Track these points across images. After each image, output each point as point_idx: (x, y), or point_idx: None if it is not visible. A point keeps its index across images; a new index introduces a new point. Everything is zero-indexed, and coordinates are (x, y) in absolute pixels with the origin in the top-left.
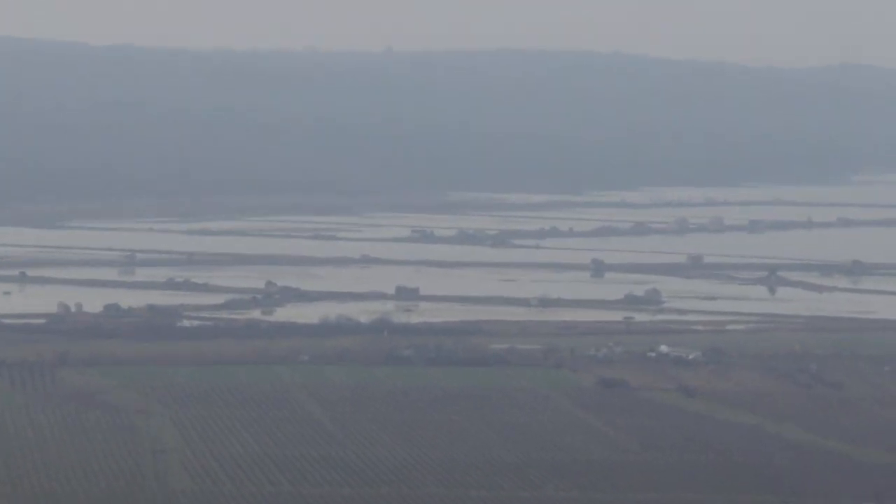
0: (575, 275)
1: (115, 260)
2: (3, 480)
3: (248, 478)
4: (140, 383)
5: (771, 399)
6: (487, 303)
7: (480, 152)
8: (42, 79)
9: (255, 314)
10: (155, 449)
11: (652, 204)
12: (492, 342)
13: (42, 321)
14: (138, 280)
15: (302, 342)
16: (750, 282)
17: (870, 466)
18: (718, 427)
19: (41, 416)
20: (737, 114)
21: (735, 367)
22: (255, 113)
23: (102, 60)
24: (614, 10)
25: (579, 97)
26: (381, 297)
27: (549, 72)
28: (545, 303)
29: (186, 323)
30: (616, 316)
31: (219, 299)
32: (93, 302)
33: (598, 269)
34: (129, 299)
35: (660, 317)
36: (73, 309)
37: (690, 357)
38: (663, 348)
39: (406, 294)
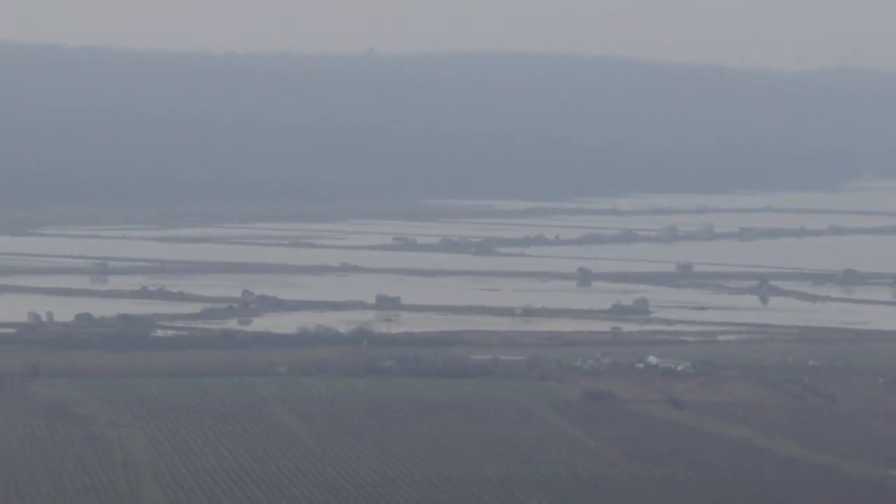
0: (561, 284)
1: (87, 268)
2: None
3: (223, 493)
4: (112, 395)
5: (762, 411)
6: (470, 312)
7: (465, 158)
8: (14, 81)
9: (232, 324)
10: (127, 463)
11: (640, 211)
12: (475, 353)
13: (12, 331)
14: (111, 289)
15: (279, 353)
16: (741, 291)
17: (863, 482)
18: (708, 440)
19: (11, 429)
20: (729, 118)
21: (725, 379)
22: (232, 117)
23: (76, 62)
24: (603, 12)
25: (566, 101)
26: (361, 306)
27: (537, 75)
28: (530, 312)
29: (160, 333)
30: (603, 326)
31: (194, 308)
32: (64, 311)
33: (585, 277)
34: (102, 308)
35: (648, 327)
36: (43, 318)
37: (679, 368)
38: (652, 359)
39: (387, 303)
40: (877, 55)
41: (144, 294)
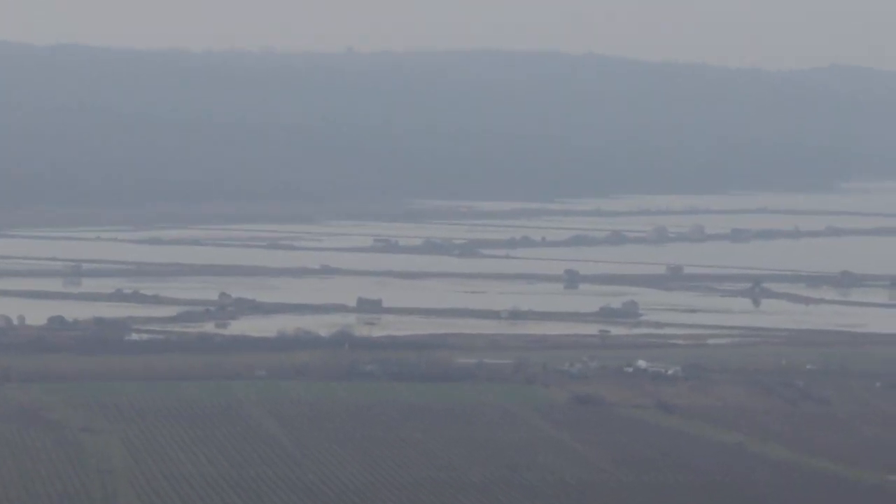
0: (547, 286)
1: (60, 270)
2: None
3: (200, 499)
4: (86, 399)
5: (754, 416)
6: (454, 315)
7: (448, 158)
8: None
9: (209, 327)
10: (102, 468)
11: (629, 212)
12: (459, 356)
13: None
14: (84, 291)
15: (258, 357)
16: (733, 293)
17: (859, 487)
18: (698, 445)
19: None
20: (721, 118)
21: (717, 383)
22: (209, 116)
23: (46, 61)
24: (589, 10)
25: (559, 100)
26: (342, 309)
27: (522, 74)
28: (516, 315)
29: (135, 336)
30: (591, 329)
31: (170, 312)
32: (37, 314)
33: (572, 279)
34: (75, 311)
35: (637, 330)
36: (15, 322)
37: (669, 372)
38: (641, 363)
39: (368, 306)
40: (870, 53)
41: (119, 297)
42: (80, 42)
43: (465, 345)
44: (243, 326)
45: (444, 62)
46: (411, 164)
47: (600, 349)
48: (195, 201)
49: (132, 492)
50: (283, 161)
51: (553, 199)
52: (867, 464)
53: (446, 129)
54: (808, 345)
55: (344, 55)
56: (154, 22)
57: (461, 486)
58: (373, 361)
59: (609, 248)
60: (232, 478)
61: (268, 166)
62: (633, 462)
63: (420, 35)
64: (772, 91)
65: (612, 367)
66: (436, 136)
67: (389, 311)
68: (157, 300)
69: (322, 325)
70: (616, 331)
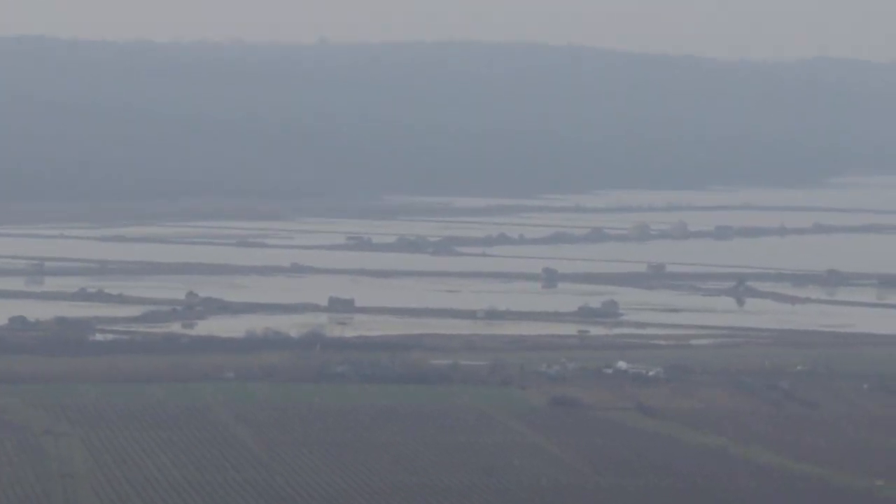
0: (525, 285)
1: (22, 268)
2: None
3: None
4: (48, 402)
5: (738, 419)
6: (429, 315)
7: (424, 153)
8: None
9: (175, 327)
10: (64, 472)
11: (610, 208)
12: (434, 358)
13: None
14: (47, 290)
15: (226, 358)
16: (716, 293)
17: (847, 492)
18: (680, 449)
19: None
20: (705, 111)
21: (699, 385)
22: (174, 109)
23: (6, 53)
24: (564, 1)
25: (530, 93)
26: (313, 308)
27: (502, 67)
28: (492, 315)
29: (99, 337)
30: (570, 329)
31: (135, 311)
32: None
33: (551, 278)
34: (37, 311)
35: (617, 330)
36: None
37: (651, 374)
38: (621, 364)
39: (340, 306)
40: (857, 44)
41: (82, 296)
42: (45, 34)
43: (439, 345)
44: (211, 327)
45: (421, 54)
46: (385, 160)
47: (579, 350)
48: (160, 198)
49: (94, 497)
50: (252, 156)
51: (531, 196)
52: (854, 467)
53: (423, 124)
54: (793, 345)
55: (316, 46)
56: (118, 12)
57: (435, 490)
58: (345, 363)
59: (589, 246)
60: (197, 482)
61: (236, 161)
62: (611, 465)
63: (396, 26)
64: (757, 83)
65: (591, 368)
66: (412, 131)
67: (362, 310)
68: (121, 299)
69: (292, 326)
70: (595, 331)
